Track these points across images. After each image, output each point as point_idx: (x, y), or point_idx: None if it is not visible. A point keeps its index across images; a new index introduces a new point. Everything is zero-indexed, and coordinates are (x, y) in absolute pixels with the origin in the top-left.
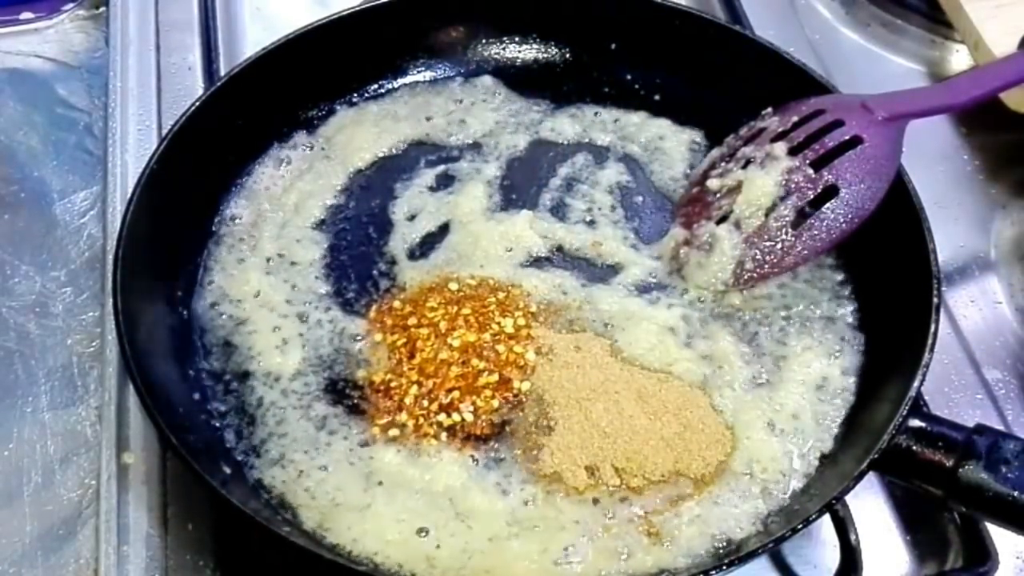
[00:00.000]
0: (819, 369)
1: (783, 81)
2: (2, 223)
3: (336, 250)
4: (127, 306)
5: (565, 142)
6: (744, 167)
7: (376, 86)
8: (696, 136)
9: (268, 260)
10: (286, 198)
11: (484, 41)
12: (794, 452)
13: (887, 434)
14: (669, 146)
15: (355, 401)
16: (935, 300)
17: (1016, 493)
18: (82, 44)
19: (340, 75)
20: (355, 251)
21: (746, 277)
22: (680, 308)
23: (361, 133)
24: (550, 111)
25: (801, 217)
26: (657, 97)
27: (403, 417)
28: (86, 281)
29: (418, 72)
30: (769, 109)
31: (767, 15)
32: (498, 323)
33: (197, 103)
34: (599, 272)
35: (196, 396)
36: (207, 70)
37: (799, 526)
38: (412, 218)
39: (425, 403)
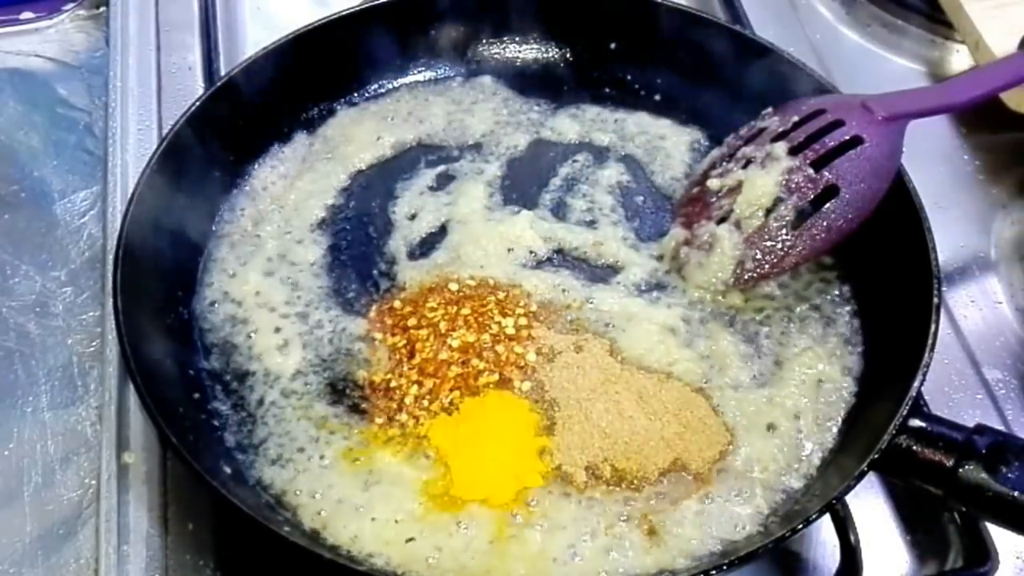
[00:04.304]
0: (819, 369)
1: (783, 81)
2: (2, 223)
3: (336, 250)
4: (127, 306)
5: (565, 142)
6: (744, 167)
7: (376, 86)
8: (696, 136)
9: (268, 260)
10: (286, 198)
11: (484, 41)
12: (794, 452)
13: (887, 434)
14: (669, 146)
15: (355, 401)
16: (935, 300)
17: (1016, 493)
18: (82, 44)
19: (340, 75)
20: (355, 251)
21: (746, 277)
22: (680, 308)
23: (361, 133)
24: (550, 111)
25: (801, 217)
26: (657, 97)
27: (403, 417)
28: (86, 281)
29: (418, 72)
30: (769, 109)
31: (767, 15)
32: (498, 323)
33: (197, 103)
34: (599, 272)
35: (196, 396)
36: (207, 70)
37: (799, 526)
38: (412, 218)
39: (425, 403)
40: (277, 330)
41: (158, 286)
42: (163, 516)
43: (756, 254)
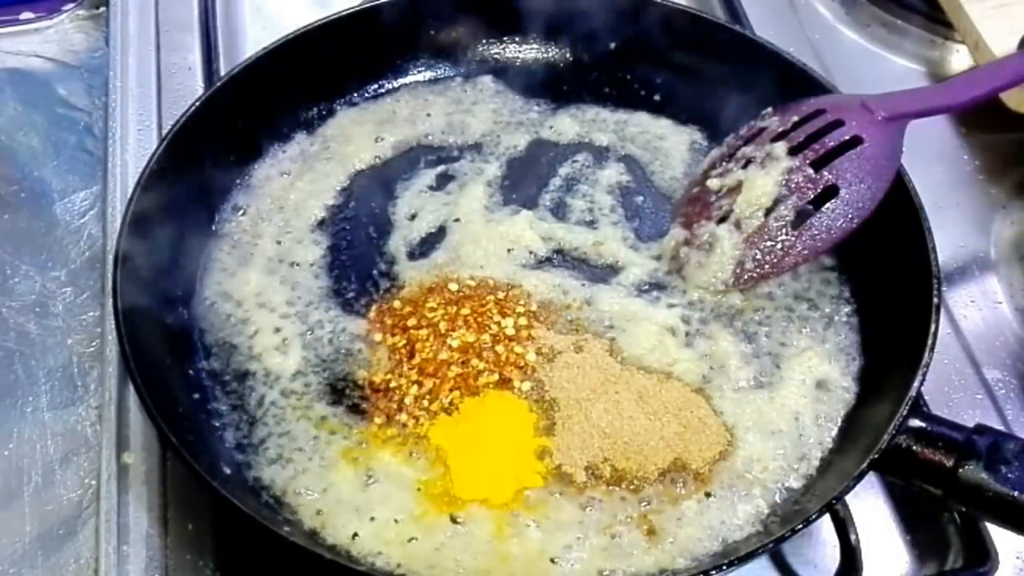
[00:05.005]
0: (819, 369)
1: (783, 81)
2: (2, 223)
3: (336, 250)
4: (127, 306)
5: (565, 142)
6: (744, 167)
7: (376, 86)
8: (696, 136)
9: (268, 260)
10: (286, 198)
11: (484, 41)
12: (794, 452)
13: (887, 434)
14: (669, 146)
15: (355, 401)
16: (935, 300)
17: (1016, 493)
18: (82, 44)
19: (340, 75)
20: (355, 251)
21: (746, 277)
22: (680, 308)
23: (361, 133)
24: (550, 111)
25: (801, 217)
26: (657, 97)
27: (403, 417)
28: (86, 281)
29: (418, 72)
30: (769, 109)
31: (767, 15)
32: (498, 323)
33: (197, 103)
34: (599, 272)
35: (196, 396)
36: (207, 70)
37: (799, 526)
38: (412, 218)
39: (425, 403)
40: (277, 330)
41: (158, 286)
42: (163, 516)
43: (756, 254)
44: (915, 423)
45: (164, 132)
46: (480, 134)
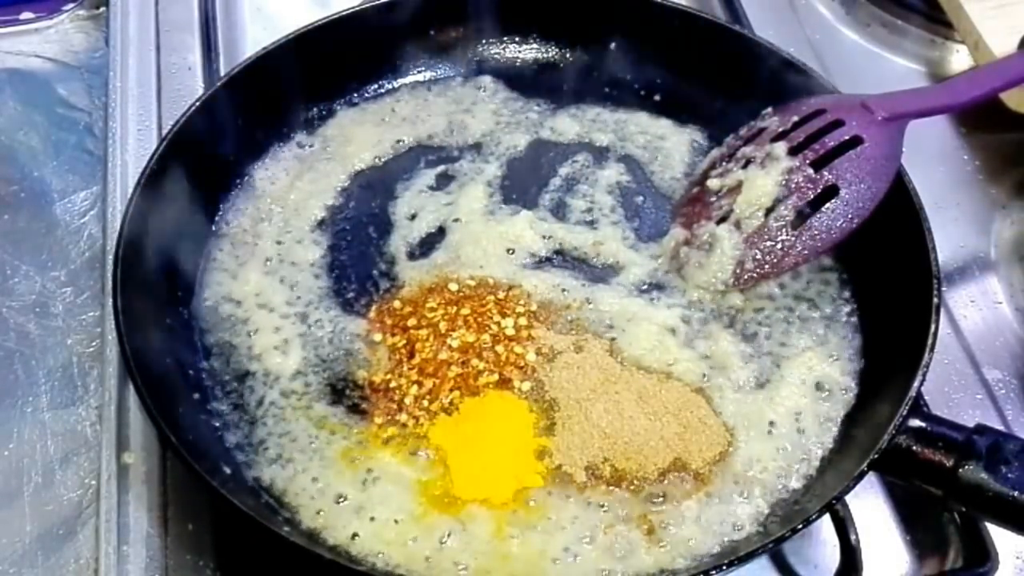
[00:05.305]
0: (819, 369)
1: (783, 81)
2: (2, 223)
3: (336, 250)
4: (127, 306)
5: (565, 142)
6: (744, 167)
7: (376, 86)
8: (696, 136)
9: (268, 260)
10: (286, 198)
11: (484, 41)
12: (794, 452)
13: (887, 434)
14: (669, 146)
15: (355, 401)
16: (935, 300)
17: (1016, 493)
18: (82, 44)
19: (340, 75)
20: (355, 251)
21: (746, 277)
22: (680, 308)
23: (361, 133)
24: (550, 111)
25: (801, 217)
26: (657, 97)
27: (403, 417)
28: (86, 281)
29: (418, 72)
30: (769, 109)
31: (767, 15)
32: (498, 323)
33: (197, 103)
34: (599, 272)
35: (196, 396)
36: (207, 70)
37: (799, 526)
38: (412, 218)
39: (425, 403)
40: (277, 330)
41: (158, 286)
42: (163, 516)
43: (756, 254)
44: (915, 423)
45: (164, 132)
46: (480, 134)
